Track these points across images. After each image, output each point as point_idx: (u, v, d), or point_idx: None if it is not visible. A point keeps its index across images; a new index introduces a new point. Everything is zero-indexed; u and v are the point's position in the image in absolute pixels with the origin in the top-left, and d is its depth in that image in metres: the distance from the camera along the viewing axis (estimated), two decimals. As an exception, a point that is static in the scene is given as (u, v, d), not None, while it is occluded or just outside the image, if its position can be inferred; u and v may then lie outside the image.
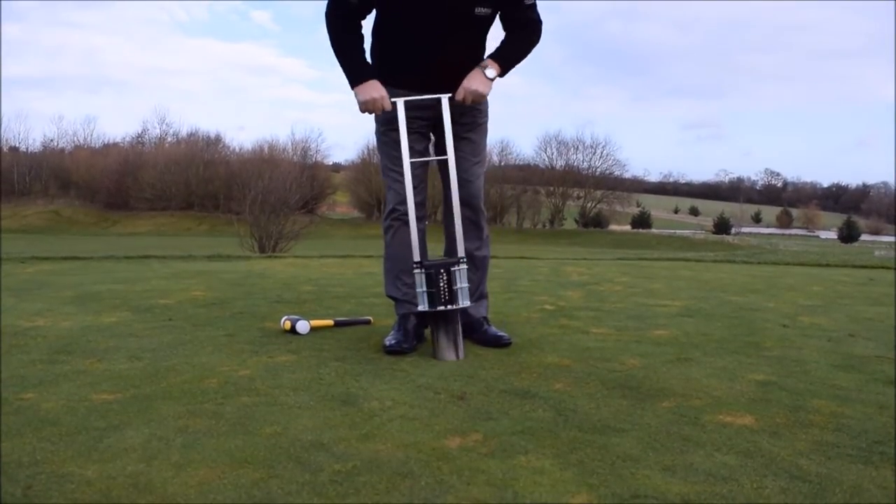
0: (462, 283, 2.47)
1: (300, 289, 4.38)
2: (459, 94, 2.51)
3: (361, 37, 2.54)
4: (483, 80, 2.51)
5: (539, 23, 2.58)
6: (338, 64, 2.56)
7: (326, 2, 2.54)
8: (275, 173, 29.61)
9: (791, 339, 2.98)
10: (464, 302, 2.47)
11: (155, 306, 3.59)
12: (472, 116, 2.68)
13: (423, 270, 2.46)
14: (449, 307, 2.44)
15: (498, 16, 2.55)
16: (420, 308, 2.47)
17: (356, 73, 2.50)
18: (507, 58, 2.56)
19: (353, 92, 2.52)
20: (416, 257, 2.50)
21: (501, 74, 2.56)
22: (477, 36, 2.57)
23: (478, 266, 2.74)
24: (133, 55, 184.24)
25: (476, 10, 2.44)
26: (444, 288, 2.44)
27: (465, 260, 2.50)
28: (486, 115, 2.73)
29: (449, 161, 2.58)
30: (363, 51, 2.54)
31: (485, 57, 2.61)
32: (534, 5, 2.53)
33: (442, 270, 2.45)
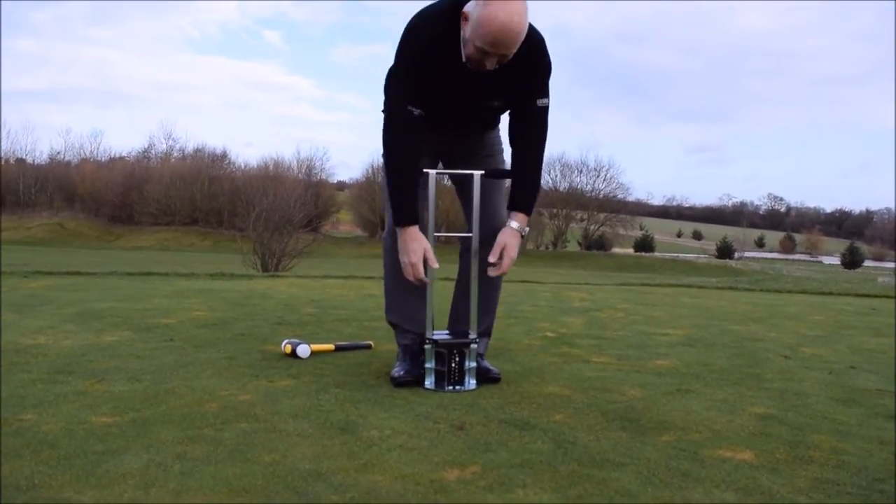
0: (471, 364, 2.46)
1: (302, 310, 4.38)
2: (496, 254, 2.44)
3: (420, 170, 2.47)
4: (517, 240, 2.48)
5: (546, 128, 2.50)
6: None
7: (384, 119, 2.44)
8: (279, 191, 29.66)
9: (792, 370, 2.97)
10: (470, 383, 2.45)
11: (156, 326, 3.60)
12: (491, 146, 2.70)
13: (433, 347, 2.45)
14: (456, 388, 2.43)
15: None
16: (426, 385, 2.45)
17: (403, 217, 2.41)
18: (527, 202, 2.51)
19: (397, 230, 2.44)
20: (430, 333, 2.48)
21: (529, 214, 2.53)
22: (492, 118, 2.61)
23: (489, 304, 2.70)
24: (143, 71, 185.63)
25: (492, 103, 2.48)
26: (455, 369, 2.43)
27: (477, 340, 2.50)
28: (502, 143, 2.74)
29: (473, 239, 2.56)
30: (416, 191, 2.44)
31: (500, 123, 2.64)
32: (546, 108, 2.46)
33: (455, 351, 2.43)
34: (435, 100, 2.40)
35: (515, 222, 2.47)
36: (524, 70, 2.33)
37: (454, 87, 2.39)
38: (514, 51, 2.24)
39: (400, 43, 2.39)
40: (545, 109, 2.47)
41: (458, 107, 2.49)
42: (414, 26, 2.36)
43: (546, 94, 2.45)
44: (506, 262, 2.44)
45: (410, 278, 2.41)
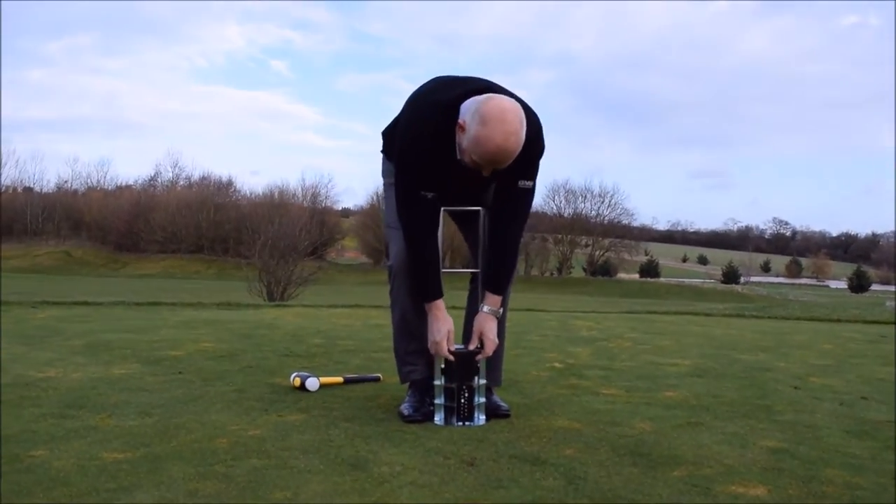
0: (480, 399, 2.46)
1: (309, 341, 4.39)
2: (475, 342, 2.47)
3: (438, 248, 2.49)
4: (493, 322, 2.49)
5: (526, 210, 2.51)
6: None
7: (399, 205, 2.47)
8: (284, 218, 29.82)
9: (802, 401, 2.96)
10: (480, 419, 2.45)
11: (165, 358, 3.61)
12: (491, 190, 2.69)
13: (442, 383, 2.45)
14: (466, 424, 2.43)
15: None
16: (436, 421, 2.45)
17: (430, 294, 2.46)
18: (501, 284, 2.52)
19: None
20: (439, 377, 2.47)
21: (502, 295, 2.54)
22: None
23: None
24: (151, 100, 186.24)
25: (490, 184, 2.49)
26: (465, 405, 2.44)
27: (480, 350, 2.49)
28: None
29: (480, 276, 2.57)
30: (439, 269, 2.49)
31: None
32: (528, 191, 2.46)
33: (464, 388, 2.44)
34: (436, 182, 2.42)
35: (488, 306, 2.49)
36: (521, 156, 2.29)
37: (454, 178, 2.41)
38: (510, 162, 2.25)
39: (400, 134, 2.43)
40: (527, 192, 2.46)
41: (458, 192, 2.52)
42: (412, 121, 2.40)
43: (531, 176, 2.44)
44: (488, 345, 2.46)
45: (432, 352, 2.46)
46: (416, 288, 2.51)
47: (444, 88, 2.39)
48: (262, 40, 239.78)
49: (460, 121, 2.27)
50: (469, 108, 2.25)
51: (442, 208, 2.54)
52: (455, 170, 2.37)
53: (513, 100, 2.29)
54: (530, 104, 2.41)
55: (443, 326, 2.43)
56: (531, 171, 2.44)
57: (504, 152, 2.20)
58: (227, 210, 68.64)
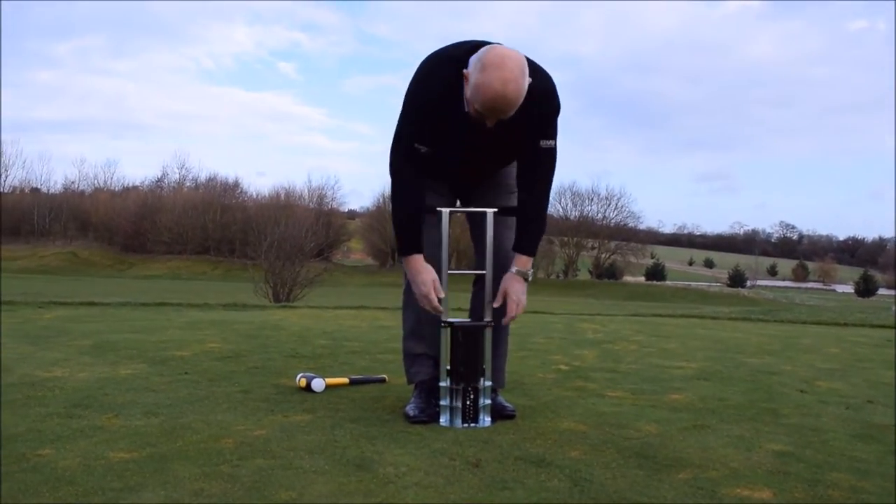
0: (486, 401, 2.46)
1: (315, 342, 4.40)
2: (499, 300, 2.46)
3: (423, 202, 2.49)
4: (521, 284, 2.48)
5: (550, 170, 2.49)
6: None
7: (391, 154, 2.47)
8: (291, 220, 29.88)
9: (809, 405, 2.95)
10: (485, 420, 2.45)
11: (171, 358, 3.62)
12: (506, 183, 2.65)
13: (449, 385, 2.45)
14: (471, 426, 2.43)
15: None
16: (441, 422, 2.45)
17: (407, 247, 2.46)
18: (528, 245, 2.51)
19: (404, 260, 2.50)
20: (444, 378, 2.47)
21: (532, 256, 2.54)
22: (503, 157, 2.58)
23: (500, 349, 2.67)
24: (158, 102, 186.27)
25: (501, 146, 2.47)
26: (470, 406, 2.44)
27: (492, 323, 2.49)
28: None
29: (487, 277, 2.54)
30: (420, 223, 2.47)
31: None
32: (550, 150, 2.45)
33: (469, 389, 2.44)
34: (446, 144, 2.42)
35: (516, 266, 2.48)
36: (531, 114, 2.31)
37: (462, 132, 2.40)
38: (512, 112, 2.25)
39: (409, 87, 2.43)
40: (549, 151, 2.45)
41: (468, 150, 2.49)
42: (422, 74, 2.40)
43: (551, 136, 2.44)
44: (511, 306, 2.45)
45: (428, 308, 2.44)
46: (396, 240, 2.49)
47: (456, 46, 2.41)
48: (269, 42, 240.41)
49: (465, 72, 2.28)
50: (474, 58, 2.27)
51: (449, 209, 2.54)
52: (464, 125, 2.36)
53: (516, 50, 2.28)
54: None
55: (427, 277, 2.42)
56: (549, 130, 2.44)
57: (503, 98, 2.19)
58: (233, 211, 68.87)
